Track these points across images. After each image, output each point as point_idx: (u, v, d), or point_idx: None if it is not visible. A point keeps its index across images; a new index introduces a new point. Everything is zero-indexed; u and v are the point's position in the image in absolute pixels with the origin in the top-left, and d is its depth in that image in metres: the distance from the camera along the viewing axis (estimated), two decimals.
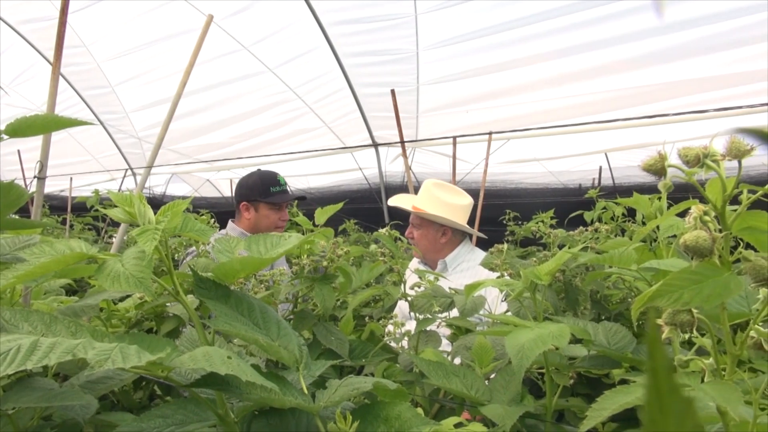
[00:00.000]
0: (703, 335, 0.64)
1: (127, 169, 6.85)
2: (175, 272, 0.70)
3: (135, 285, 0.61)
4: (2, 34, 5.57)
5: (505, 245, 1.66)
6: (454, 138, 4.07)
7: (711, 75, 3.87)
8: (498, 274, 1.54)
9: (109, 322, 1.43)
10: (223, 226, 2.49)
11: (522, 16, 4.00)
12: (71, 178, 6.34)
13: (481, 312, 1.38)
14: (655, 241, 1.20)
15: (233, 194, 2.67)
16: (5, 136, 0.99)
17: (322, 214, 1.53)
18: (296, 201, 2.73)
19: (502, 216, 3.25)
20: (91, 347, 0.49)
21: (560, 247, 1.63)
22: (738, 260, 0.46)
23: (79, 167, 7.33)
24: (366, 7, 4.30)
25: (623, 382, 1.08)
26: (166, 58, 5.44)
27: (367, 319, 1.83)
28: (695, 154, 0.45)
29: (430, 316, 1.36)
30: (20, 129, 0.98)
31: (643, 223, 1.94)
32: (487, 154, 4.01)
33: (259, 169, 2.61)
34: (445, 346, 1.42)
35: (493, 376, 1.17)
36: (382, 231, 1.48)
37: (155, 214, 0.72)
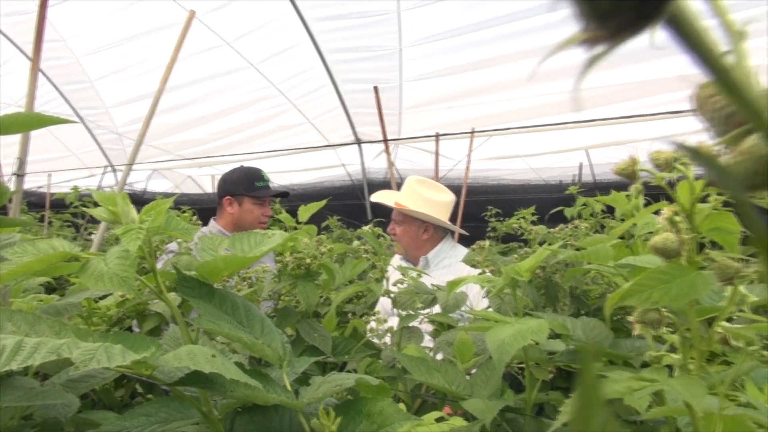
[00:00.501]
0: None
1: (107, 166, 6.77)
2: (159, 271, 0.71)
3: (119, 284, 0.61)
4: None
5: (487, 242, 1.68)
6: (437, 135, 4.09)
7: (689, 73, 3.93)
8: (479, 270, 1.56)
9: (90, 321, 1.42)
10: (205, 223, 2.48)
11: (504, 13, 4.03)
12: (50, 175, 6.25)
13: (463, 308, 1.40)
14: (633, 237, 1.23)
15: (216, 190, 2.66)
16: None
17: (305, 212, 1.54)
18: (279, 197, 2.73)
19: (484, 212, 3.27)
20: (76, 347, 0.50)
21: (541, 243, 1.66)
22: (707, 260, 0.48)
23: (57, 163, 7.23)
24: (349, 3, 4.29)
25: (600, 377, 1.10)
26: (147, 52, 5.38)
27: (349, 315, 1.84)
28: (665, 158, 0.47)
29: (412, 313, 1.38)
30: (2, 127, 0.98)
31: (622, 221, 1.97)
32: (469, 151, 4.03)
33: (242, 165, 2.61)
34: (428, 342, 1.43)
35: (474, 371, 1.19)
36: (366, 228, 1.49)
37: (137, 211, 0.72)
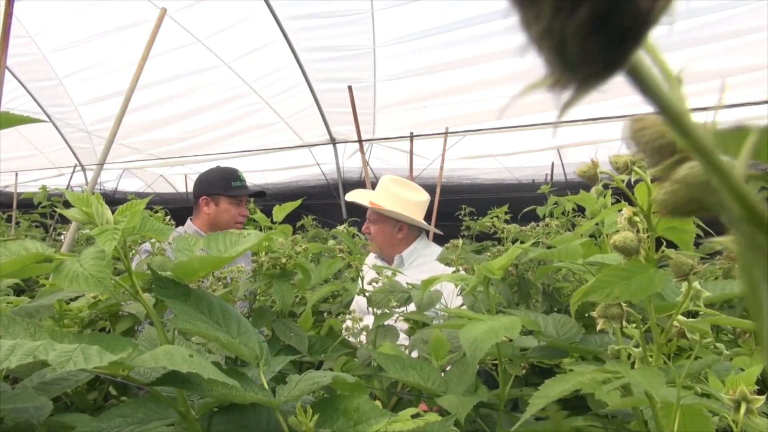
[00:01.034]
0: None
1: (76, 165, 6.64)
2: (134, 272, 0.71)
3: (94, 285, 0.61)
4: None
5: (460, 240, 1.70)
6: (411, 135, 4.11)
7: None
8: (453, 269, 1.58)
9: (61, 323, 1.40)
10: (179, 223, 2.46)
11: (478, 14, 4.07)
12: (16, 174, 6.11)
13: (438, 306, 1.42)
14: (601, 236, 1.26)
15: (189, 190, 2.64)
16: None
17: (280, 211, 1.54)
18: (255, 197, 2.73)
19: (458, 211, 3.30)
20: (52, 349, 0.50)
21: (514, 242, 1.68)
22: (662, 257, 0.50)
23: (25, 162, 7.06)
24: (322, 2, 4.29)
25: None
26: (116, 50, 5.29)
27: (325, 314, 1.85)
28: (624, 161, 0.49)
29: (387, 311, 1.39)
30: None
31: (591, 218, 2.01)
32: (443, 150, 4.07)
33: (219, 165, 2.60)
34: (403, 340, 1.45)
35: (449, 368, 1.21)
36: (341, 228, 1.50)
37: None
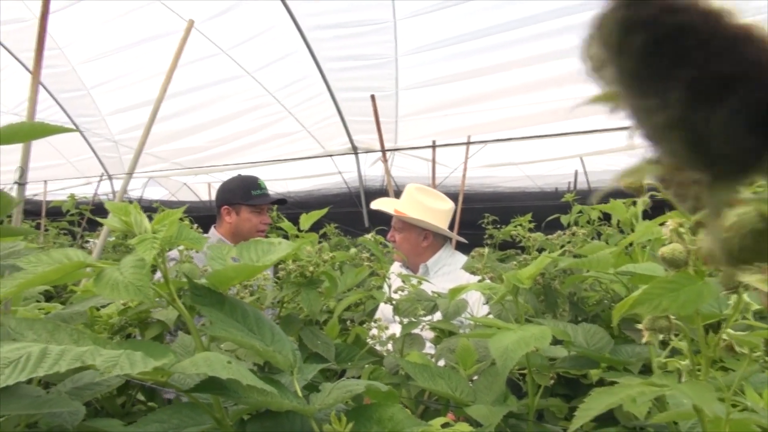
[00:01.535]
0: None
1: (103, 174, 6.76)
2: (171, 279, 0.72)
3: (134, 292, 0.62)
4: None
5: (486, 249, 1.69)
6: (434, 143, 4.11)
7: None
8: (478, 277, 1.58)
9: (92, 329, 1.43)
10: (203, 230, 2.50)
11: (499, 23, 4.07)
12: (45, 183, 6.24)
13: (464, 315, 1.42)
14: (631, 245, 1.25)
15: (212, 198, 2.68)
16: None
17: (306, 220, 1.55)
18: (276, 206, 2.75)
19: (481, 220, 3.30)
20: (99, 354, 0.51)
21: (539, 250, 1.67)
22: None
23: (53, 170, 7.21)
24: (345, 12, 4.32)
25: (601, 381, 1.12)
26: (142, 61, 5.39)
27: (348, 323, 1.85)
28: None
29: (414, 320, 1.39)
30: (6, 136, 0.99)
31: (619, 227, 2.00)
32: (465, 158, 4.06)
33: (239, 174, 2.63)
34: (429, 348, 1.45)
35: (476, 377, 1.20)
36: (368, 236, 1.50)
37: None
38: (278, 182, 6.97)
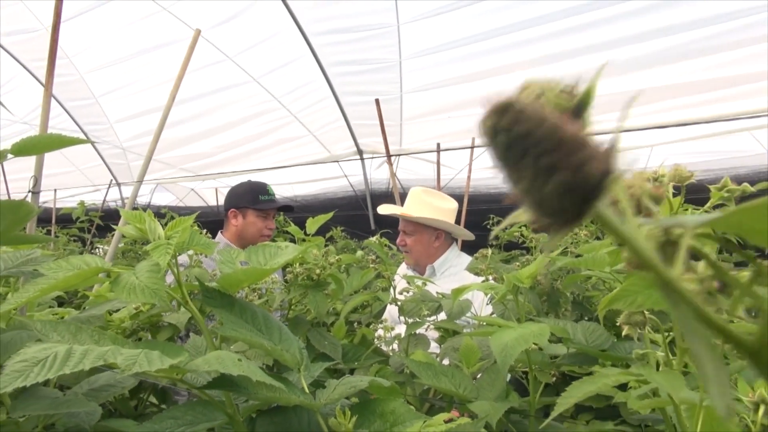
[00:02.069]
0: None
1: (111, 180, 6.84)
2: (184, 283, 0.76)
3: (150, 296, 0.66)
4: None
5: (489, 250, 1.73)
6: (438, 146, 4.14)
7: (685, 82, 4.00)
8: (483, 278, 1.61)
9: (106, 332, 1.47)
10: (211, 236, 2.54)
11: (501, 26, 4.10)
12: (55, 191, 6.32)
13: (468, 314, 1.45)
14: None
15: (219, 203, 2.73)
16: (10, 155, 1.04)
17: (313, 224, 1.59)
18: (283, 211, 2.79)
19: (486, 221, 3.32)
20: (119, 353, 0.55)
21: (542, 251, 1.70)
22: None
23: (62, 178, 7.29)
24: (349, 17, 4.37)
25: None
26: (149, 69, 5.46)
27: (355, 324, 1.88)
28: (644, 178, 0.52)
29: (419, 320, 1.42)
30: (25, 148, 1.03)
31: None
32: (470, 160, 4.09)
33: (249, 179, 2.67)
34: (434, 348, 1.48)
35: (479, 375, 1.23)
36: (373, 239, 1.54)
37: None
38: (284, 186, 7.02)
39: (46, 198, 7.16)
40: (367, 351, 1.37)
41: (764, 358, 0.21)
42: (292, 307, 1.45)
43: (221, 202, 7.31)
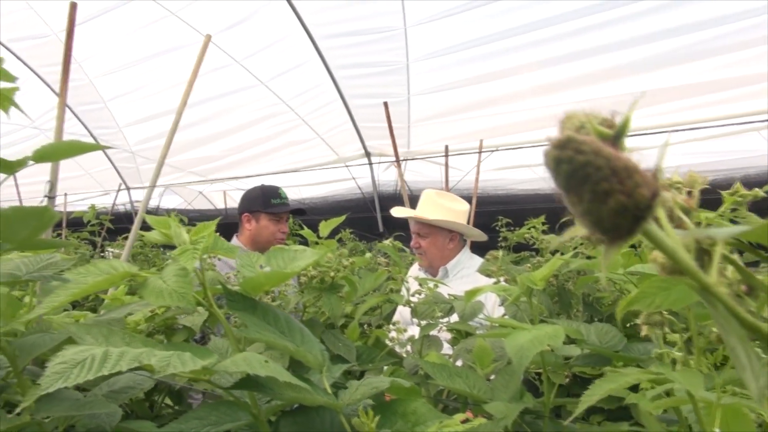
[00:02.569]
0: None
1: (121, 184, 6.89)
2: (209, 287, 0.78)
3: (178, 299, 0.68)
4: None
5: (500, 252, 1.74)
6: (446, 148, 4.16)
7: (694, 82, 4.00)
8: (495, 279, 1.62)
9: None
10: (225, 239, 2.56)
11: (508, 28, 4.11)
12: (66, 195, 6.37)
13: (480, 316, 1.46)
14: (638, 246, 1.29)
15: (228, 206, 2.75)
16: (31, 162, 1.06)
17: (326, 227, 1.60)
18: (295, 214, 2.82)
19: (494, 222, 3.33)
20: (153, 355, 0.57)
21: (554, 252, 1.71)
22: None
23: (72, 182, 7.35)
24: (356, 20, 4.39)
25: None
26: (158, 73, 5.51)
27: (365, 327, 1.90)
28: (666, 186, 0.53)
29: (432, 322, 1.44)
30: (46, 155, 1.06)
31: None
32: (478, 162, 4.10)
33: (262, 184, 2.70)
34: (446, 349, 1.49)
35: (493, 376, 1.25)
36: (386, 242, 1.55)
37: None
38: (293, 189, 7.04)
39: (56, 202, 7.21)
40: (381, 353, 1.39)
41: None
42: (306, 309, 1.47)
43: (230, 205, 7.36)
